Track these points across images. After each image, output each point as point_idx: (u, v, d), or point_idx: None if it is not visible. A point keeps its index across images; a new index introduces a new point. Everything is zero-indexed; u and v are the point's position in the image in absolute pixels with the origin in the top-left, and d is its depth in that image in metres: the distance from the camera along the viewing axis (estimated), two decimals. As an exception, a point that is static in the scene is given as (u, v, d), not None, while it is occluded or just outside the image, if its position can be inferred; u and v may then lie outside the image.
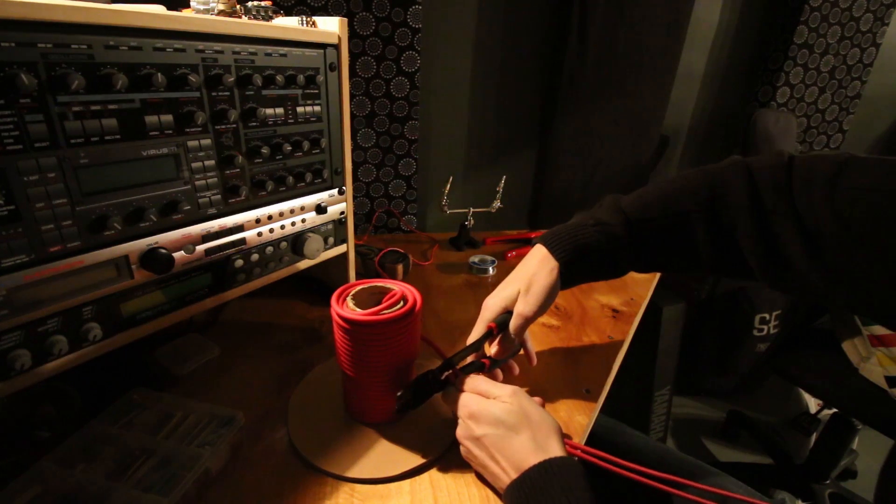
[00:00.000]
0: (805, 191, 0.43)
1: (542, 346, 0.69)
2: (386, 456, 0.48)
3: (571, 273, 0.54)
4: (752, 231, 0.45)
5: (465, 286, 0.88)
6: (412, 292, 0.50)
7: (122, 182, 0.43)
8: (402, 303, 0.48)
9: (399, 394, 0.47)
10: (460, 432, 0.46)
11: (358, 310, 0.47)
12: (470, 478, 0.46)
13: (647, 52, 1.17)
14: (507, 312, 0.54)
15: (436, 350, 0.65)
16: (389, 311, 0.46)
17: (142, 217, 0.45)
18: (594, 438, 0.65)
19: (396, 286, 0.51)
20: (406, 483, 0.46)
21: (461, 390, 0.48)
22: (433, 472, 0.47)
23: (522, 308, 0.52)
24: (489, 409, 0.44)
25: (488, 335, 0.54)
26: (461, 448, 0.47)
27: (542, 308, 0.53)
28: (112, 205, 0.43)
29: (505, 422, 0.43)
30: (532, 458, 0.40)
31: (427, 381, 0.49)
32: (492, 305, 0.56)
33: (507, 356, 0.56)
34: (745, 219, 0.46)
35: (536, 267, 0.54)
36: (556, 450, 0.42)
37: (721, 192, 0.48)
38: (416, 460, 0.48)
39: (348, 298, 0.49)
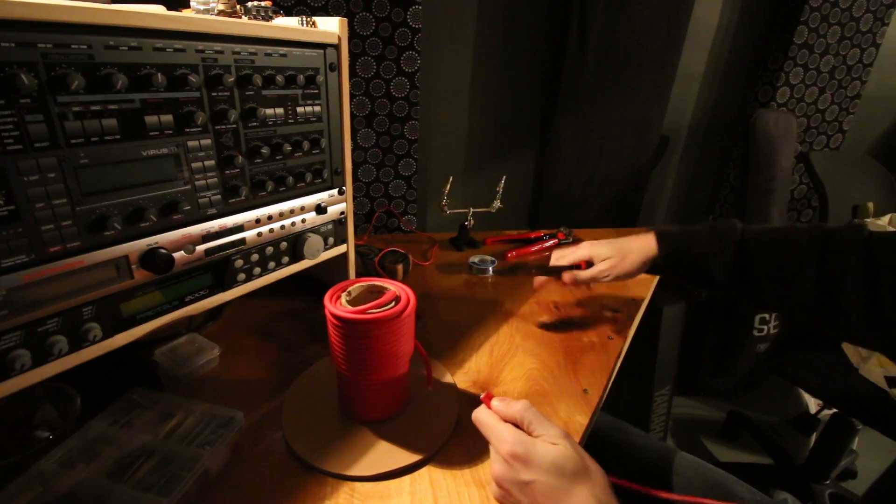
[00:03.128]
0: None
1: (542, 347, 0.69)
2: (381, 454, 0.48)
3: (665, 266, 0.65)
4: (861, 275, 0.49)
5: (465, 286, 0.88)
6: (406, 292, 0.50)
7: (122, 182, 0.43)
8: (394, 303, 0.48)
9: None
10: (500, 473, 0.39)
11: (350, 307, 0.47)
12: (470, 477, 0.46)
13: (647, 53, 1.17)
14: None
15: (425, 361, 0.57)
16: (380, 310, 0.46)
17: (142, 217, 0.45)
18: (597, 437, 0.65)
19: (393, 286, 0.51)
20: (406, 483, 0.46)
21: (500, 416, 0.41)
22: (433, 472, 0.47)
23: (610, 266, 0.66)
24: (542, 452, 0.38)
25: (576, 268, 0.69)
26: (494, 489, 0.41)
27: (627, 274, 0.66)
28: (112, 205, 0.43)
29: (562, 469, 0.37)
30: None
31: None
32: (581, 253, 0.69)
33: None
34: (857, 262, 0.49)
35: (638, 246, 0.65)
36: None
37: (835, 237, 0.53)
38: (411, 457, 0.48)
39: (342, 295, 0.49)
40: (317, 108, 0.60)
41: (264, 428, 0.52)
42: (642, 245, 0.65)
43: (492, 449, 0.40)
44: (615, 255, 0.66)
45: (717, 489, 0.58)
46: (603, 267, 0.66)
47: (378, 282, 0.51)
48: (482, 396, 0.44)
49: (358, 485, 0.46)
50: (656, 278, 0.96)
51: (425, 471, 0.47)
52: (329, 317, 0.47)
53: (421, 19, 0.98)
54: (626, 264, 0.65)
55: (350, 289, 0.50)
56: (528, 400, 0.42)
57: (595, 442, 0.63)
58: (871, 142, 1.62)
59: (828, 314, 0.52)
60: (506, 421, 0.41)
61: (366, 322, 0.45)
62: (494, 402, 0.43)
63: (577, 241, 1.10)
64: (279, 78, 0.54)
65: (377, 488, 0.45)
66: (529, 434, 0.40)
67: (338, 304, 0.47)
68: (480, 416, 0.42)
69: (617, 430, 0.68)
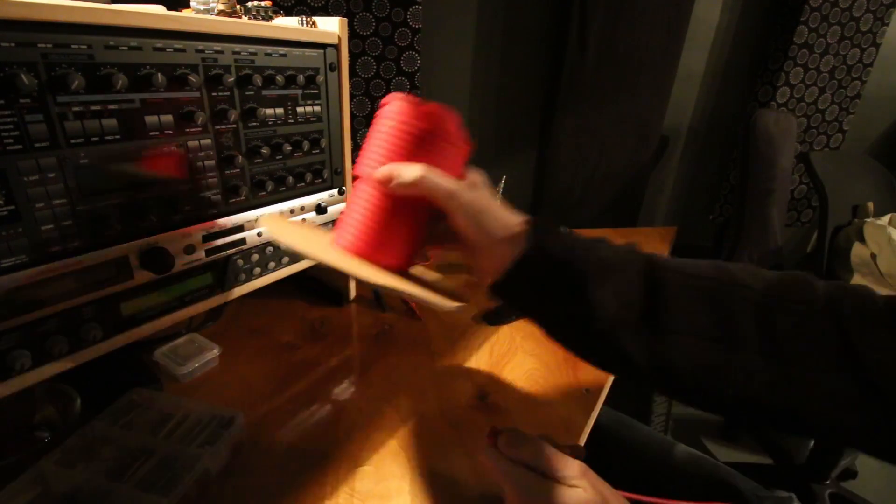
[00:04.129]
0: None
1: (542, 347, 0.69)
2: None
3: (523, 275, 0.37)
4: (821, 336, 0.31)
5: (465, 286, 0.88)
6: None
7: (122, 182, 0.43)
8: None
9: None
10: None
11: None
12: (470, 478, 0.46)
13: (647, 52, 1.17)
14: None
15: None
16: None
17: (142, 217, 0.45)
18: (601, 432, 0.65)
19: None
20: (406, 483, 0.46)
21: (509, 458, 0.37)
22: (433, 473, 0.47)
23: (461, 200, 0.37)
24: (558, 500, 0.34)
25: None
26: None
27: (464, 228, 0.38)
28: (112, 205, 0.43)
29: None
30: None
31: None
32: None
33: None
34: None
35: (503, 225, 0.39)
36: None
37: (787, 287, 0.33)
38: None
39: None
40: (317, 108, 0.60)
41: (264, 428, 0.52)
42: (507, 226, 0.39)
43: (505, 498, 0.37)
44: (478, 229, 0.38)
45: (721, 486, 0.58)
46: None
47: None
48: (487, 435, 0.39)
49: (358, 484, 0.46)
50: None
51: (425, 471, 0.47)
52: (395, 111, 0.38)
53: (421, 19, 0.98)
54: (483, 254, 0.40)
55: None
56: (540, 436, 0.38)
57: (598, 438, 0.63)
58: (871, 142, 1.62)
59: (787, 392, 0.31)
60: (516, 462, 0.37)
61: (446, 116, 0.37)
62: (502, 442, 0.38)
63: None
64: (279, 78, 0.54)
65: (377, 488, 0.45)
66: (544, 475, 0.36)
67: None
68: (488, 460, 0.38)
69: (621, 424, 0.68)
